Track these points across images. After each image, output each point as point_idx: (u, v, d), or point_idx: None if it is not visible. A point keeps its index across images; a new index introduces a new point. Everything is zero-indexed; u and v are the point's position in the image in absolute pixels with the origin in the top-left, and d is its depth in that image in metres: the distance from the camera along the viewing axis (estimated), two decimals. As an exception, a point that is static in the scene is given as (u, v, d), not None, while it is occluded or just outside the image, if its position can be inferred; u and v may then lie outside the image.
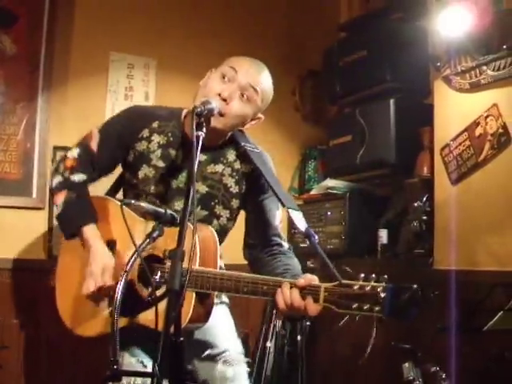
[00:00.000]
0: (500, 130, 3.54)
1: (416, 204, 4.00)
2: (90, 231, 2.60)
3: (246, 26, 5.02)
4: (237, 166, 2.75)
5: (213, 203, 2.72)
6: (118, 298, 2.13)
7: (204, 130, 2.31)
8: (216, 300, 2.65)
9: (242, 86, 2.59)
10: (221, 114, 2.53)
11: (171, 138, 2.72)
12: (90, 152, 2.73)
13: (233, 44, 4.93)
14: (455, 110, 3.85)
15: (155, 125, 2.74)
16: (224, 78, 2.61)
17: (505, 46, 3.49)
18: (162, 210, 2.30)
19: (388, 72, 4.23)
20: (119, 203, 2.36)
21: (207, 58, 4.77)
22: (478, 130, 3.67)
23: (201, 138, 2.28)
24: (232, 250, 2.88)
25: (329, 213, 4.55)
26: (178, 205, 2.64)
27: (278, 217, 2.77)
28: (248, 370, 2.79)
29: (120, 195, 2.94)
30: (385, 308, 1.99)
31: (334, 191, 4.57)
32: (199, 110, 2.35)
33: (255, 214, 2.78)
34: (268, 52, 5.05)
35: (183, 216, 2.10)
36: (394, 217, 4.30)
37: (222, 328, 2.79)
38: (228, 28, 4.95)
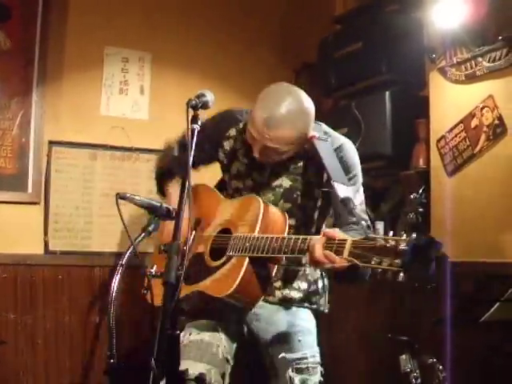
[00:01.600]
0: (496, 122, 3.53)
1: (412, 196, 4.00)
2: (171, 188, 3.00)
3: (242, 20, 5.01)
4: (315, 159, 2.73)
5: (295, 196, 2.77)
6: (114, 291, 2.13)
7: (199, 123, 2.30)
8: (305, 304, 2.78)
9: (263, 146, 2.59)
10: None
11: None
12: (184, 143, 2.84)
13: (228, 38, 4.94)
14: (451, 102, 3.85)
15: (241, 125, 2.86)
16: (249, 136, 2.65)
17: (500, 37, 3.49)
18: (157, 204, 2.31)
19: (383, 64, 4.22)
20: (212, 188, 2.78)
21: (202, 52, 4.80)
22: (474, 122, 3.67)
23: (196, 132, 2.28)
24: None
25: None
26: (267, 198, 2.73)
27: (356, 198, 2.67)
28: (320, 379, 2.78)
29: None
30: (406, 262, 1.93)
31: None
32: (193, 102, 2.34)
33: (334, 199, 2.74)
34: (263, 45, 5.07)
35: (179, 209, 2.10)
36: (391, 209, 4.29)
37: (302, 330, 2.80)
38: (224, 22, 4.94)
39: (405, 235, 1.97)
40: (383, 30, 4.22)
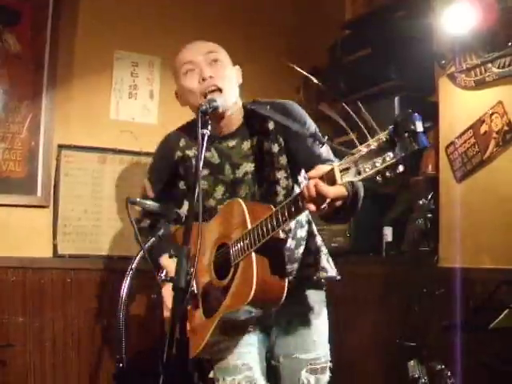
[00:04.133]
0: (505, 128, 3.53)
1: (421, 202, 3.99)
2: (165, 260, 2.68)
3: (251, 25, 5.02)
4: (263, 129, 2.73)
5: (265, 173, 2.71)
6: (124, 295, 2.14)
7: (209, 127, 2.31)
8: (317, 274, 2.73)
9: (204, 60, 2.71)
10: (220, 90, 2.62)
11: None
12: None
13: (237, 42, 4.93)
14: (460, 108, 3.84)
15: (182, 143, 2.81)
16: (187, 73, 2.68)
17: (510, 43, 3.49)
18: (167, 209, 2.31)
19: (392, 70, 4.22)
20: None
21: (212, 56, 4.79)
22: (483, 128, 3.66)
23: (206, 137, 2.28)
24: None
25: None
26: (242, 192, 2.70)
27: (318, 147, 2.65)
28: (330, 375, 2.76)
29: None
30: (395, 151, 1.87)
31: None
32: (204, 107, 2.36)
33: (302, 156, 2.70)
34: (272, 50, 5.07)
35: (188, 214, 2.11)
36: (399, 215, 4.29)
37: (317, 331, 2.77)
38: (232, 26, 4.94)
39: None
40: (392, 35, 4.22)
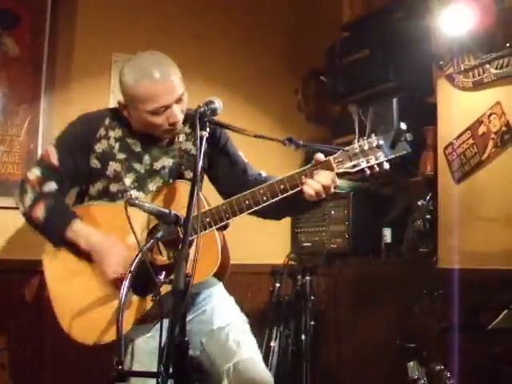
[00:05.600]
0: (503, 128, 3.53)
1: (420, 203, 4.00)
2: (79, 225, 2.66)
3: (249, 27, 5.02)
4: (188, 130, 2.85)
5: (181, 171, 2.82)
6: (123, 299, 2.14)
7: (208, 129, 2.33)
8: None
9: (176, 105, 2.66)
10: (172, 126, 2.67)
11: (125, 129, 2.80)
12: (51, 167, 2.77)
13: (236, 44, 4.95)
14: (458, 109, 3.85)
15: (107, 122, 2.81)
16: (155, 111, 2.64)
17: (508, 44, 3.49)
18: (166, 211, 2.30)
19: (391, 71, 4.22)
20: (120, 203, 2.46)
21: (210, 59, 4.81)
22: (482, 129, 3.67)
23: (204, 138, 2.29)
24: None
25: (332, 212, 4.55)
26: (152, 185, 2.77)
27: (242, 155, 2.95)
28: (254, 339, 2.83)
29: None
30: (386, 151, 2.46)
31: (338, 190, 4.57)
32: (202, 109, 2.37)
33: (225, 163, 2.89)
34: (271, 52, 5.08)
35: (187, 218, 2.11)
36: (398, 216, 4.29)
37: (225, 304, 2.88)
38: (232, 29, 4.95)
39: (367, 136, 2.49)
40: (391, 37, 4.23)
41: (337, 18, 5.08)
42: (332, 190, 2.49)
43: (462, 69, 3.79)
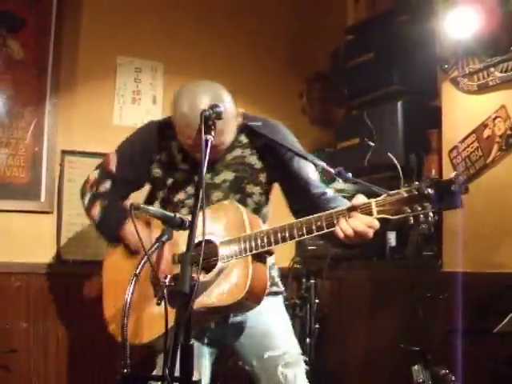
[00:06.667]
0: (508, 132, 3.53)
1: (424, 206, 3.99)
2: (131, 226, 2.65)
3: (254, 30, 5.03)
4: (252, 144, 2.81)
5: (243, 185, 2.79)
6: (128, 300, 2.14)
7: (213, 133, 2.32)
8: (274, 288, 2.80)
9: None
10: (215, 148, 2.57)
11: None
12: (108, 173, 2.86)
13: (240, 47, 4.96)
14: (463, 112, 3.85)
15: (169, 132, 2.78)
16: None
17: (512, 48, 3.49)
18: (171, 214, 2.31)
19: (395, 74, 4.23)
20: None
21: (215, 62, 4.81)
22: (486, 132, 3.66)
23: (209, 142, 2.29)
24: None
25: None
26: (216, 196, 2.76)
27: (312, 170, 2.79)
28: (306, 368, 2.80)
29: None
30: (435, 201, 2.13)
31: (343, 194, 4.56)
32: (207, 113, 2.36)
33: (290, 181, 2.81)
34: (275, 55, 5.08)
35: (192, 219, 2.11)
36: (403, 220, 4.28)
37: (280, 327, 2.83)
38: (235, 32, 4.95)
39: (416, 183, 2.19)
40: (395, 40, 4.23)
41: (341, 22, 5.08)
42: (369, 235, 2.33)
43: (467, 72, 3.79)
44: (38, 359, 4.11)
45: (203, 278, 2.53)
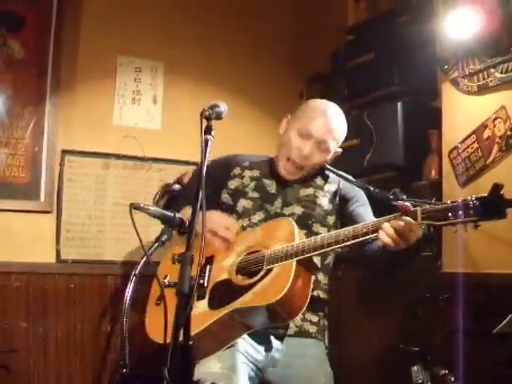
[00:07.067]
0: (508, 133, 3.52)
1: (424, 207, 3.98)
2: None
3: (254, 31, 5.03)
4: (326, 187, 2.95)
5: (310, 222, 2.84)
6: (127, 301, 2.14)
7: (213, 133, 2.31)
8: (318, 336, 2.82)
9: (318, 141, 2.82)
10: (300, 167, 2.83)
11: (263, 171, 2.94)
12: (181, 184, 3.13)
13: (241, 48, 4.96)
14: (463, 113, 3.84)
15: (246, 164, 2.97)
16: (303, 134, 2.82)
17: (512, 48, 3.49)
18: (171, 214, 2.31)
19: (395, 75, 4.22)
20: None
21: (215, 62, 4.82)
22: (486, 133, 3.66)
23: (209, 142, 2.28)
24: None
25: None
26: None
27: (371, 214, 2.90)
28: None
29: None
30: (479, 211, 2.21)
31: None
32: (207, 113, 2.36)
33: (347, 223, 2.80)
34: (276, 55, 5.09)
35: (191, 220, 2.10)
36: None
37: (322, 378, 2.81)
38: (236, 32, 4.96)
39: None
40: (395, 40, 4.23)
41: (341, 22, 5.07)
42: (411, 238, 2.36)
43: (467, 73, 3.78)
44: (38, 359, 4.12)
45: (241, 281, 2.59)
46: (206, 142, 2.28)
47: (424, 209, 2.33)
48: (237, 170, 2.95)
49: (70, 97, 4.43)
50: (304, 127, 2.83)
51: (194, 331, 2.52)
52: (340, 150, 2.97)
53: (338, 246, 2.46)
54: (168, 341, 2.19)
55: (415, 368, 3.31)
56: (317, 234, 2.79)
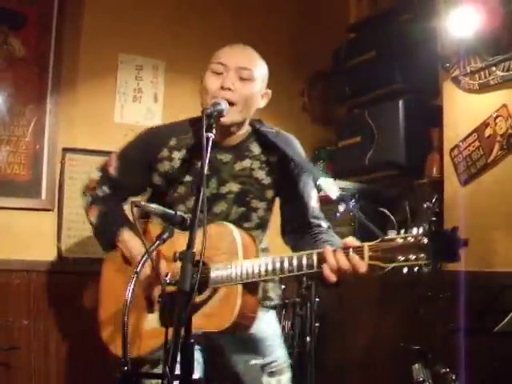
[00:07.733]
0: (510, 131, 3.53)
1: (425, 205, 3.99)
2: (126, 234, 2.66)
3: (256, 28, 5.01)
4: (263, 157, 2.76)
5: (248, 198, 2.73)
6: (128, 299, 2.14)
7: (214, 131, 2.31)
8: (266, 302, 2.77)
9: (236, 71, 2.68)
10: (232, 104, 2.57)
11: (191, 150, 2.72)
12: (108, 175, 2.80)
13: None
14: (464, 111, 3.84)
15: (172, 142, 2.74)
16: (217, 73, 2.66)
17: (514, 47, 3.49)
18: (172, 212, 2.30)
19: (397, 73, 4.23)
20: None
21: (216, 60, 4.80)
22: (488, 131, 3.66)
23: (210, 140, 2.28)
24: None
25: (338, 214, 4.54)
26: (217, 209, 2.70)
27: (315, 197, 2.79)
28: (290, 375, 2.81)
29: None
30: (430, 252, 2.01)
31: (343, 192, 4.55)
32: (209, 111, 2.36)
33: (291, 201, 2.79)
34: (277, 54, 5.06)
35: (193, 217, 2.10)
36: (403, 218, 4.28)
37: (270, 334, 2.80)
38: (237, 30, 4.94)
39: (415, 229, 2.06)
40: (397, 38, 4.23)
41: (343, 20, 5.07)
42: (351, 277, 2.22)
43: (468, 71, 3.79)
44: (39, 356, 4.12)
45: (197, 298, 2.46)
46: (208, 139, 2.27)
47: (371, 246, 2.18)
48: (165, 153, 2.72)
49: (71, 95, 4.42)
50: (215, 61, 2.70)
51: (144, 350, 2.55)
52: (269, 90, 2.88)
53: (283, 275, 2.36)
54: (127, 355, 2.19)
55: (416, 366, 3.32)
56: (255, 209, 2.73)
